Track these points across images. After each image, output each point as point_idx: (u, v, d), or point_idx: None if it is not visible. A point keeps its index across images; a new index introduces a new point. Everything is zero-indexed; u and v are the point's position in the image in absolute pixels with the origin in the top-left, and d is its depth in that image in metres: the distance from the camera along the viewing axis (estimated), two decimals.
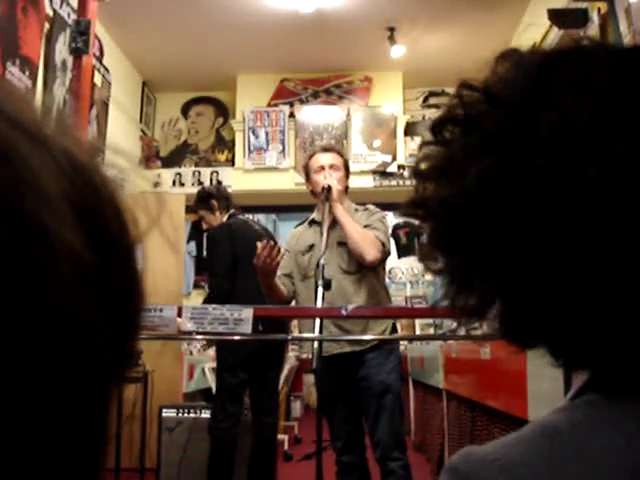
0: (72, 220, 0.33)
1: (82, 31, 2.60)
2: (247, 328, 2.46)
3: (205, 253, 4.69)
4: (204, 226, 4.74)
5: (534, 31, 5.87)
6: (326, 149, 3.79)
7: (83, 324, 0.33)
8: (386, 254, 3.47)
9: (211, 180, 8.07)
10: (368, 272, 3.41)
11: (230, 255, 4.33)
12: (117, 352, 0.37)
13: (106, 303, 0.35)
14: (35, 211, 0.32)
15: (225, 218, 4.62)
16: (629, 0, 4.17)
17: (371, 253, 3.33)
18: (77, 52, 2.61)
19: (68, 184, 0.35)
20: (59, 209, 0.33)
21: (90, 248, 0.34)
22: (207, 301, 4.28)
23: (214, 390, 6.12)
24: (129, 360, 0.39)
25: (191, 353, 6.41)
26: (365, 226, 3.45)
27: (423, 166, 0.68)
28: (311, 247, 3.51)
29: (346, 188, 3.71)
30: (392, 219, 11.90)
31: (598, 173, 0.56)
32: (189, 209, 6.17)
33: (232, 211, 4.74)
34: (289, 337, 2.96)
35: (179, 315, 2.53)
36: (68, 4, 5.64)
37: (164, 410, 4.78)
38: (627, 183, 0.56)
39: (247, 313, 2.49)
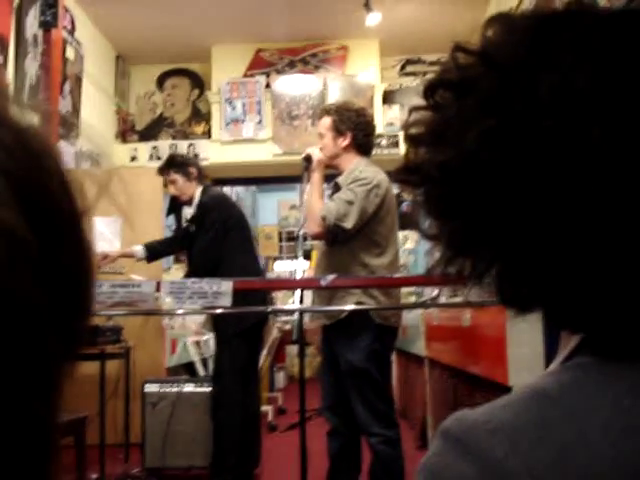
0: (8, 196, 0.32)
1: (50, 4, 2.55)
2: (227, 301, 2.44)
3: (192, 222, 4.55)
4: (172, 191, 4.61)
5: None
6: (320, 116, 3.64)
7: (24, 305, 0.32)
8: (331, 228, 3.21)
9: (188, 153, 8.01)
10: (340, 247, 3.26)
11: (223, 224, 4.29)
12: (65, 331, 0.36)
13: (51, 282, 0.34)
14: None
15: (199, 191, 4.54)
16: None
17: (310, 228, 3.21)
18: (46, 25, 2.56)
19: (5, 156, 0.33)
20: None
21: (30, 225, 0.32)
22: (192, 271, 4.19)
23: (197, 364, 6.16)
24: (79, 338, 0.38)
25: (172, 327, 6.40)
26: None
27: (415, 131, 0.67)
28: None
29: (350, 145, 3.49)
30: None
31: (601, 134, 0.56)
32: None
33: (207, 183, 4.70)
34: (269, 309, 2.95)
35: (157, 290, 2.52)
36: None
37: (147, 385, 4.78)
38: (630, 145, 0.56)
39: (226, 286, 2.48)
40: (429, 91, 0.66)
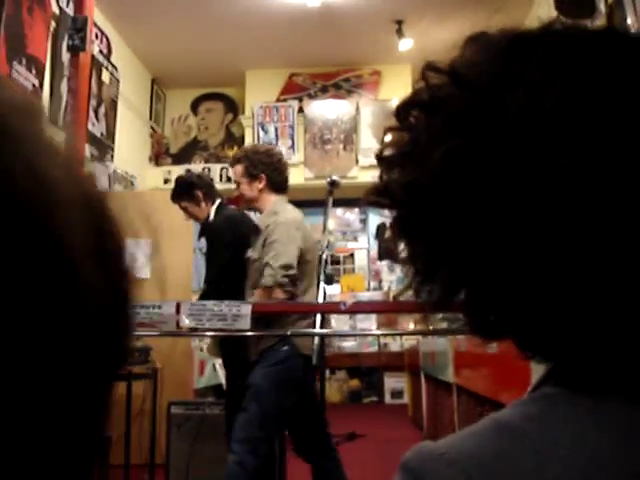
0: (94, 257, 0.36)
1: (79, 28, 2.60)
2: (246, 324, 2.45)
3: (206, 246, 4.49)
4: (188, 217, 4.54)
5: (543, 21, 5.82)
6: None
7: (101, 351, 0.37)
8: (285, 283, 3.31)
9: (221, 176, 8.07)
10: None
11: (232, 249, 4.15)
12: (114, 354, 0.39)
13: (110, 316, 0.38)
14: (70, 254, 0.34)
15: (213, 209, 4.41)
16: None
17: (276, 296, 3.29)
18: (74, 50, 2.61)
19: (91, 218, 0.37)
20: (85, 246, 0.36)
21: (102, 275, 0.36)
22: (204, 296, 4.08)
23: (225, 386, 6.15)
24: (125, 357, 0.42)
25: (202, 350, 6.42)
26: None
27: (387, 152, 0.66)
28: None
29: (266, 186, 3.68)
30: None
31: (567, 157, 0.54)
32: None
33: (219, 201, 4.51)
34: (288, 332, 2.95)
35: (178, 311, 2.53)
36: (75, 2, 5.65)
37: (173, 406, 4.79)
38: (596, 168, 0.54)
39: (246, 309, 2.49)
40: (402, 111, 0.65)
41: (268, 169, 3.65)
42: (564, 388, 0.59)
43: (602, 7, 4.62)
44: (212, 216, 4.40)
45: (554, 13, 5.17)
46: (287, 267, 3.28)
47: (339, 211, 11.35)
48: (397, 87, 8.17)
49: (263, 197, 3.67)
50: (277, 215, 3.53)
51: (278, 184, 3.70)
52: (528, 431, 0.56)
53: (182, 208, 4.48)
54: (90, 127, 6.28)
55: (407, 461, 0.59)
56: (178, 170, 8.26)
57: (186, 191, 4.43)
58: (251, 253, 3.57)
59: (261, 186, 3.63)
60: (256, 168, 3.62)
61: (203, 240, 5.07)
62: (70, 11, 5.61)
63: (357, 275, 12.87)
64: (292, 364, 3.30)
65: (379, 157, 0.66)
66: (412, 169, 0.62)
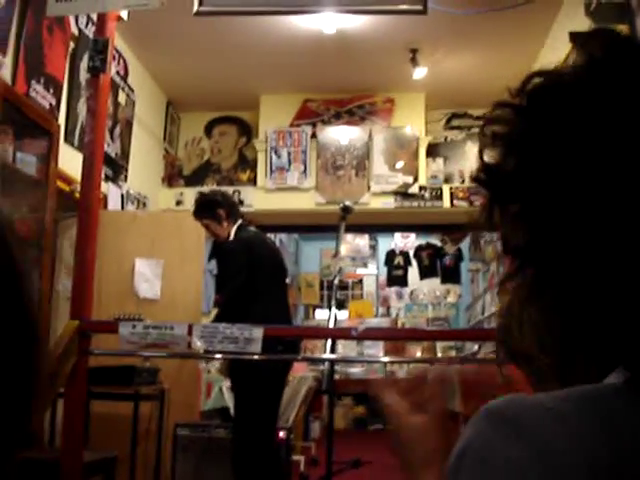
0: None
1: (100, 50, 2.64)
2: (257, 347, 2.46)
3: (218, 267, 4.50)
4: (210, 235, 4.53)
5: (558, 53, 5.85)
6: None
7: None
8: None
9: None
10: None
11: (246, 270, 4.17)
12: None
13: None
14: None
15: (234, 229, 4.43)
16: None
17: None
18: (94, 71, 2.65)
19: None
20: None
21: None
22: (218, 318, 4.10)
23: (231, 409, 6.14)
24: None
25: (209, 372, 6.42)
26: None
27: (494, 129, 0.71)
28: None
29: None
30: (414, 240, 11.89)
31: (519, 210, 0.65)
32: None
33: (241, 221, 4.53)
34: (299, 357, 2.95)
35: (189, 333, 2.54)
36: (94, 24, 5.72)
37: (178, 428, 4.79)
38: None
39: (257, 332, 2.50)
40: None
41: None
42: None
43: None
44: (232, 236, 4.40)
45: (570, 45, 5.19)
46: None
47: (349, 237, 11.37)
48: (410, 115, 8.21)
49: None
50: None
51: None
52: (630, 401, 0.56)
53: (204, 225, 4.50)
54: (105, 147, 6.33)
55: (498, 409, 0.57)
56: (190, 192, 8.31)
57: (209, 209, 4.47)
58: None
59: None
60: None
61: (214, 262, 5.06)
62: (89, 32, 5.68)
63: (365, 301, 12.87)
64: None
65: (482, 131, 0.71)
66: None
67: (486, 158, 0.69)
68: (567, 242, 0.59)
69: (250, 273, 4.13)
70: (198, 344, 2.50)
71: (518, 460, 0.52)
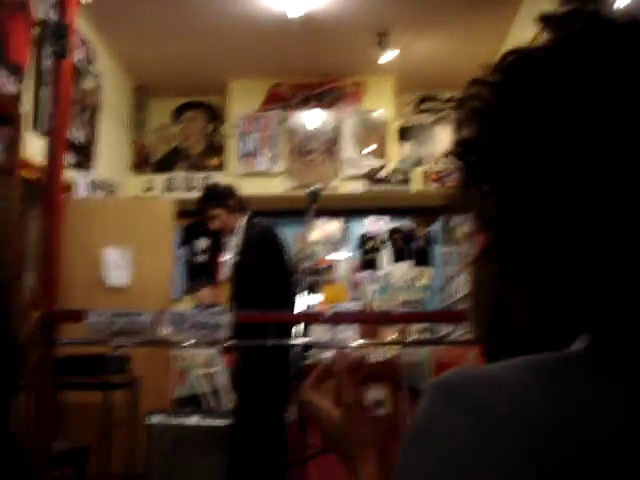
0: None
1: (61, 35, 2.59)
2: (225, 333, 2.44)
3: (240, 256, 4.37)
4: (216, 225, 4.47)
5: (526, 33, 5.86)
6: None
7: None
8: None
9: (202, 186, 8.06)
10: None
11: (272, 259, 4.24)
12: None
13: None
14: None
15: (245, 220, 4.45)
16: (618, 4, 4.16)
17: None
18: (56, 55, 2.60)
19: None
20: None
21: None
22: (256, 304, 3.89)
23: (207, 396, 6.12)
24: None
25: (184, 359, 6.39)
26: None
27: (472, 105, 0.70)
28: None
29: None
30: (386, 224, 11.90)
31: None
32: (180, 214, 6.15)
33: (250, 213, 4.56)
34: (268, 343, 2.93)
35: (158, 320, 2.51)
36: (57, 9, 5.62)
37: (151, 416, 4.76)
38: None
39: (225, 318, 2.47)
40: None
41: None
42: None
43: None
44: (242, 228, 4.38)
45: (545, 6, 5.19)
46: None
47: (320, 221, 11.37)
48: (380, 99, 8.19)
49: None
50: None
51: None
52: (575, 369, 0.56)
53: (210, 216, 4.46)
54: (72, 134, 6.24)
55: (442, 381, 0.58)
56: (159, 178, 8.25)
57: (221, 198, 4.46)
58: None
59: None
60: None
61: (183, 249, 5.02)
62: (53, 17, 5.58)
63: (338, 285, 12.86)
64: None
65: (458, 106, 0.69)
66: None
67: (462, 134, 0.69)
68: (541, 214, 0.60)
69: (277, 264, 4.18)
70: (167, 331, 2.48)
71: (460, 427, 0.53)
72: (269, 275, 4.14)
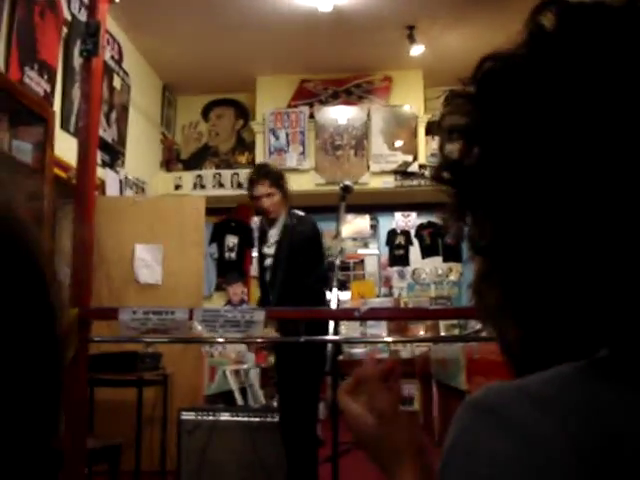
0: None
1: (92, 33, 2.59)
2: (259, 330, 2.43)
3: (292, 249, 4.27)
4: (266, 204, 4.28)
5: None
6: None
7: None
8: None
9: (232, 182, 8.07)
10: None
11: (323, 255, 4.22)
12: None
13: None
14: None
15: (287, 209, 4.32)
16: None
17: None
18: (87, 54, 2.61)
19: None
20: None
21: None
22: (304, 299, 3.77)
23: (236, 393, 6.13)
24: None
25: (212, 355, 6.41)
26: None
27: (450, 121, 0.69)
28: None
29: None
30: (415, 219, 11.86)
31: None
32: (210, 211, 6.16)
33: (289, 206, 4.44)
34: (302, 339, 2.92)
35: (190, 318, 2.51)
36: (87, 8, 5.65)
37: (183, 413, 4.77)
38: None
39: (259, 315, 2.47)
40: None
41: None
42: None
43: None
44: (283, 219, 4.22)
45: None
46: None
47: (350, 217, 11.35)
48: (408, 93, 8.15)
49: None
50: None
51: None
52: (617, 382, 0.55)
53: (264, 194, 4.24)
54: (101, 133, 6.28)
55: (479, 400, 0.56)
56: (189, 176, 8.27)
57: (280, 179, 4.33)
58: None
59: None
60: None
61: (214, 245, 4.99)
62: (82, 17, 5.61)
63: (367, 281, 12.83)
64: None
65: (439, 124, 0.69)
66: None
67: (446, 153, 0.67)
68: (537, 236, 0.58)
69: (324, 260, 4.17)
70: (199, 328, 2.48)
71: (504, 451, 0.52)
72: (321, 271, 4.05)
